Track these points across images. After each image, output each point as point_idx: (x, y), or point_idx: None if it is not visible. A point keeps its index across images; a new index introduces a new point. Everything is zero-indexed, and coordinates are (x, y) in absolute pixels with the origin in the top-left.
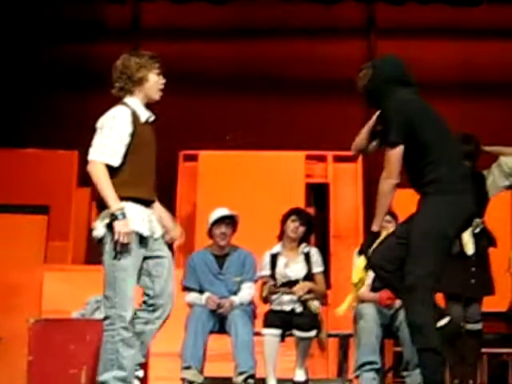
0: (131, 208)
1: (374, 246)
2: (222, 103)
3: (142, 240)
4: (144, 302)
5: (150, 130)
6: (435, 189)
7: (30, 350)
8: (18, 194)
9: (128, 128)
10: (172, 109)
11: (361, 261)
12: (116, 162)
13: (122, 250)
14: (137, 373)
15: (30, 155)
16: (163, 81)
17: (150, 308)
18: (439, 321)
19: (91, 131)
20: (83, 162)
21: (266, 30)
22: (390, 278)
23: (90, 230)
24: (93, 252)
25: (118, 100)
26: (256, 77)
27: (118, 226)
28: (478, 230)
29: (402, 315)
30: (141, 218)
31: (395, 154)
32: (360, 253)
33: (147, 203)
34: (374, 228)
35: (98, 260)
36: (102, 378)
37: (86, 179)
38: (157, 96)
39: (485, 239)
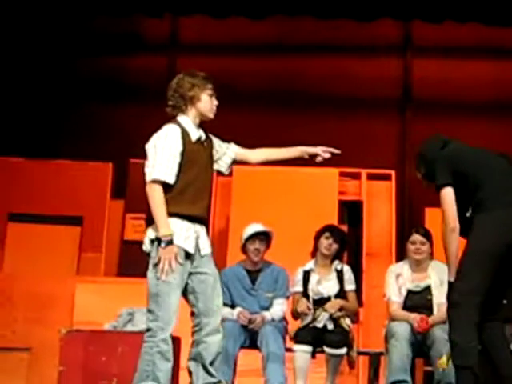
0: (177, 224)
1: None
2: (257, 118)
3: (188, 256)
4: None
5: (202, 149)
6: (480, 207)
7: (61, 360)
8: (53, 204)
9: (179, 146)
10: (208, 124)
11: None
12: (171, 179)
13: (164, 269)
14: None
15: (65, 166)
16: (216, 102)
17: (197, 327)
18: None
19: (126, 143)
20: (117, 173)
21: (303, 47)
22: None
23: (123, 242)
24: (125, 264)
25: (154, 115)
26: (292, 93)
27: (163, 252)
28: None
29: (433, 334)
30: (185, 235)
31: (447, 194)
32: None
33: (196, 220)
34: (451, 279)
35: (131, 272)
36: None
37: (119, 191)
38: (211, 115)
39: None
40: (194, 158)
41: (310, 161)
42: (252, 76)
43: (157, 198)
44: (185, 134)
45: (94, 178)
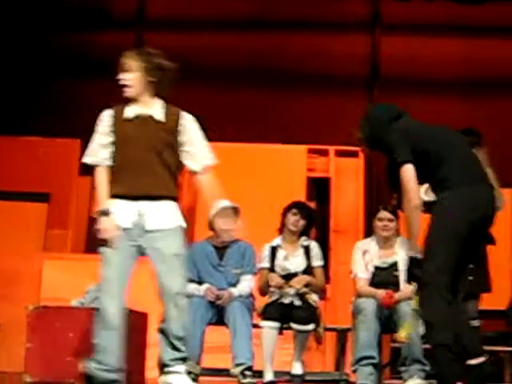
0: (115, 203)
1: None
2: (224, 95)
3: (126, 232)
4: None
5: (141, 127)
6: (443, 185)
7: (29, 337)
8: (19, 181)
9: (105, 127)
10: (174, 101)
11: (415, 288)
12: (90, 159)
13: (104, 243)
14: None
15: (32, 143)
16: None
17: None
18: (473, 359)
19: (94, 120)
20: (85, 150)
21: (271, 23)
22: None
23: (91, 219)
24: (93, 241)
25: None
26: (259, 70)
27: (98, 224)
28: None
29: (400, 310)
30: (123, 212)
31: (408, 171)
32: (408, 281)
33: (138, 198)
34: (417, 255)
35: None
36: None
37: (87, 168)
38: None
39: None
40: (128, 135)
41: (278, 137)
42: (218, 52)
43: (95, 181)
44: (117, 113)
45: (62, 154)
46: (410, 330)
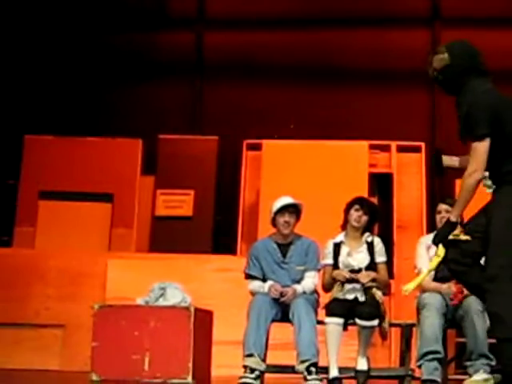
0: None
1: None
2: (287, 93)
3: None
4: None
5: None
6: None
7: (95, 336)
8: (83, 182)
9: None
10: (237, 99)
11: (441, 250)
12: None
13: None
14: None
15: (95, 144)
16: None
17: None
18: None
19: (155, 120)
20: (147, 150)
21: (331, 20)
22: (465, 272)
23: (154, 218)
24: (156, 240)
25: (183, 91)
26: (321, 67)
27: None
28: None
29: (466, 305)
30: None
31: (483, 146)
32: (436, 242)
33: None
34: (453, 219)
35: (162, 248)
36: None
37: (149, 167)
38: None
39: None
40: None
41: (339, 133)
42: (280, 50)
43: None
44: None
45: (124, 154)
46: (416, 285)
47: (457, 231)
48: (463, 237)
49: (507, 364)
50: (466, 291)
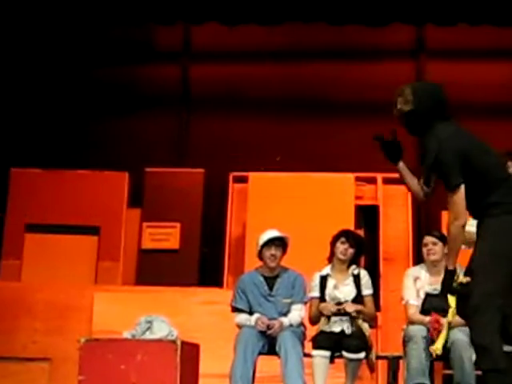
0: None
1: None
2: (273, 125)
3: None
4: None
5: None
6: (500, 210)
7: (81, 369)
8: (69, 215)
9: None
10: (223, 131)
11: (451, 300)
12: None
13: None
14: None
15: (81, 176)
16: None
17: None
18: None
19: (141, 153)
20: (133, 182)
21: (315, 53)
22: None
23: (140, 251)
24: (143, 273)
25: (168, 123)
26: (306, 99)
27: None
28: None
29: (452, 337)
30: None
31: (460, 195)
32: (444, 294)
33: None
34: (450, 267)
35: (148, 281)
36: None
37: (136, 200)
38: None
39: None
40: None
41: (326, 166)
42: (265, 83)
43: None
44: None
45: (111, 187)
46: (443, 342)
47: (455, 278)
48: (463, 279)
49: None
50: (444, 321)
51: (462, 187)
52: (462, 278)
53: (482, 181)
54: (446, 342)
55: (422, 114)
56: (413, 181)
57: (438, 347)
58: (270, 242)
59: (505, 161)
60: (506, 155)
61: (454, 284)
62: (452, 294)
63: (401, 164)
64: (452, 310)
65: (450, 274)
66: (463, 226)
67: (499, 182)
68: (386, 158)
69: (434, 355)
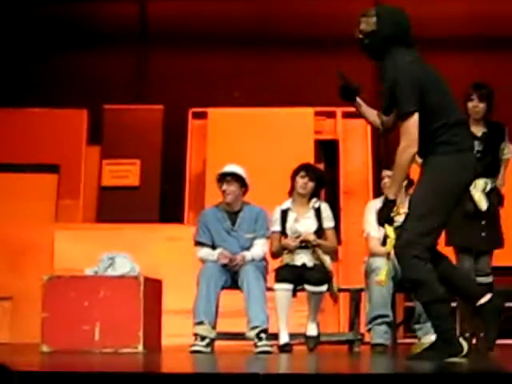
0: None
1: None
2: (230, 61)
3: None
4: None
5: None
6: (448, 148)
7: (44, 307)
8: (29, 153)
9: None
10: (180, 68)
11: (389, 230)
12: None
13: None
14: None
15: (39, 114)
16: None
17: None
18: (481, 298)
19: (100, 89)
20: (92, 120)
21: None
22: None
23: (101, 188)
24: (103, 210)
25: (126, 60)
26: (264, 33)
27: None
28: (488, 189)
29: None
30: None
31: (413, 122)
32: (381, 223)
33: None
34: (391, 197)
35: (109, 218)
36: None
37: (95, 137)
38: None
39: (495, 197)
40: None
41: (285, 100)
42: (223, 19)
43: None
44: None
45: (69, 125)
46: (385, 273)
47: (394, 209)
48: (401, 211)
49: (436, 324)
50: None
51: (417, 115)
52: (401, 210)
53: (435, 117)
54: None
55: (384, 37)
56: (371, 113)
57: (381, 278)
58: (223, 177)
59: (469, 93)
60: (470, 87)
61: (393, 214)
62: (390, 224)
63: (357, 99)
64: (390, 241)
65: (390, 204)
66: (415, 155)
67: (452, 122)
68: (342, 98)
69: (379, 284)
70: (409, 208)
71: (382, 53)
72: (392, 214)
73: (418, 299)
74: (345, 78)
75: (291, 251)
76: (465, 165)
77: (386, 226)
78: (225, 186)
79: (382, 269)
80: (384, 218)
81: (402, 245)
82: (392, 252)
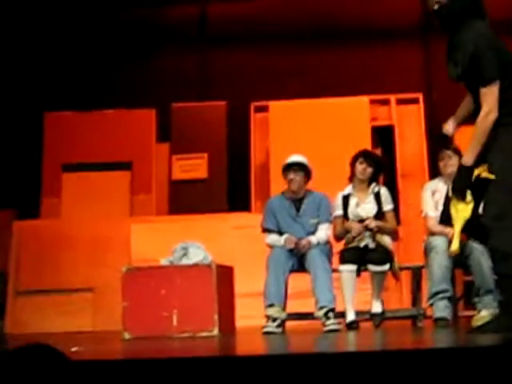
0: None
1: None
2: (288, 55)
3: None
4: None
5: None
6: None
7: (124, 296)
8: (103, 153)
9: None
10: (240, 65)
11: (468, 196)
12: None
13: None
14: None
15: (112, 116)
16: None
17: None
18: None
19: (167, 89)
20: (161, 118)
21: None
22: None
23: (171, 182)
24: (175, 203)
25: (190, 61)
26: (319, 30)
27: None
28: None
29: (471, 245)
30: None
31: (495, 88)
32: (457, 190)
33: None
34: (468, 163)
35: (180, 210)
36: None
37: (164, 135)
38: None
39: None
40: None
41: (342, 91)
42: (279, 17)
43: None
44: None
45: (140, 124)
46: (458, 242)
47: (478, 170)
48: (487, 174)
49: (507, 298)
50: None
51: (498, 82)
52: (484, 174)
53: (506, 90)
54: (463, 250)
55: (461, 7)
56: (461, 115)
57: (455, 247)
58: (289, 167)
59: None
60: None
61: (476, 176)
62: (469, 188)
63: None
64: (469, 207)
65: (466, 171)
66: (494, 121)
67: None
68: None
69: (453, 255)
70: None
71: (459, 24)
72: (479, 176)
73: (502, 270)
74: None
75: (355, 237)
76: None
77: (468, 192)
78: (291, 175)
79: (455, 237)
80: (460, 185)
81: (496, 216)
82: (457, 250)
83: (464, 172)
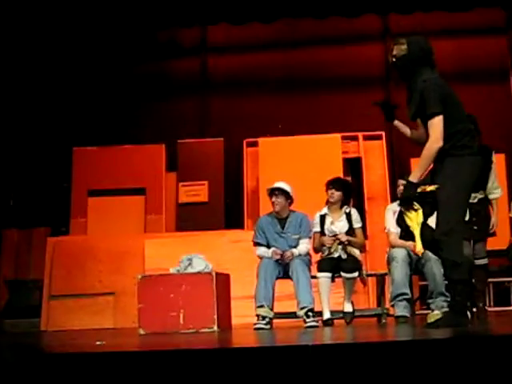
0: None
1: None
2: (274, 100)
3: None
4: None
5: None
6: (464, 151)
7: (140, 299)
8: (122, 180)
9: None
10: (235, 108)
11: (416, 206)
12: None
13: None
14: None
15: (128, 150)
16: None
17: None
18: None
19: (173, 128)
20: (169, 152)
21: (304, 41)
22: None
23: (178, 205)
24: (181, 222)
25: (193, 105)
26: (299, 78)
27: None
28: (476, 200)
29: (426, 255)
30: None
31: (439, 121)
32: (404, 203)
33: None
34: (414, 180)
35: (186, 227)
36: None
37: (172, 165)
38: None
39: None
40: None
41: (318, 129)
42: (266, 68)
43: None
44: None
45: (152, 157)
46: (420, 242)
47: (429, 188)
48: (430, 188)
49: (457, 300)
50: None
51: (441, 116)
52: (429, 187)
53: (454, 126)
54: (420, 260)
55: (413, 59)
56: (409, 130)
57: (419, 248)
58: (272, 192)
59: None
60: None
61: (419, 190)
62: (409, 205)
63: (395, 122)
64: (419, 214)
65: (412, 187)
66: (438, 150)
67: (466, 130)
68: (385, 118)
69: (420, 254)
70: (439, 200)
71: (412, 72)
72: (419, 190)
73: (453, 277)
74: (381, 101)
75: (329, 248)
76: (478, 165)
77: (405, 211)
78: (274, 199)
79: (417, 240)
80: (406, 199)
81: (446, 232)
82: (421, 249)
83: (410, 186)
